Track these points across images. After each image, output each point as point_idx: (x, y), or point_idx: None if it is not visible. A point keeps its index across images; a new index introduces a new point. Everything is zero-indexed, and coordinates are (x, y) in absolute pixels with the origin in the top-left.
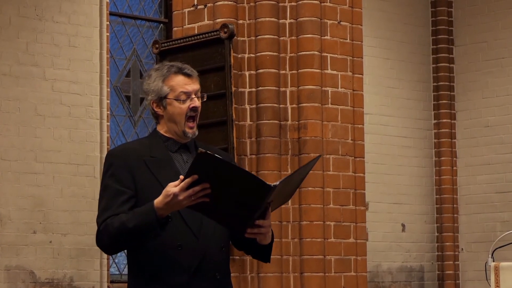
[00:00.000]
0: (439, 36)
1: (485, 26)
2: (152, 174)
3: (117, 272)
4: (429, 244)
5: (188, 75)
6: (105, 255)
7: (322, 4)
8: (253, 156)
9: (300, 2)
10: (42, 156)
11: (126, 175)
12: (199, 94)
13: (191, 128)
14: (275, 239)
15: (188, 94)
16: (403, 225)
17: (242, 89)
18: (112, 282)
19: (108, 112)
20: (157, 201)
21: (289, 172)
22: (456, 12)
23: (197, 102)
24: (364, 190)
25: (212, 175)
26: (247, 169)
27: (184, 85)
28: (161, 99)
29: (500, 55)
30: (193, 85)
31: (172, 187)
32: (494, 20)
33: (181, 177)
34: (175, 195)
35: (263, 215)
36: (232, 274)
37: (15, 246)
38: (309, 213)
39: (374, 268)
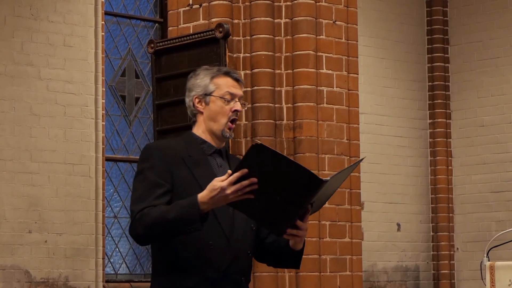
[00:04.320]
0: (434, 36)
1: (480, 25)
2: (190, 171)
3: (113, 272)
4: (425, 244)
5: (236, 79)
6: (100, 255)
7: (317, 3)
8: None
9: (295, 1)
10: (37, 156)
11: (165, 169)
12: (242, 100)
13: (230, 129)
14: None
15: (233, 96)
16: (398, 225)
17: None
18: (107, 281)
19: (103, 112)
20: (202, 195)
21: None
22: (451, 12)
23: (239, 106)
24: (360, 189)
25: (263, 169)
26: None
27: (231, 87)
28: (205, 95)
29: (495, 55)
30: (239, 90)
31: (219, 181)
32: (489, 20)
33: (229, 171)
34: (223, 189)
35: (301, 217)
36: None
37: (10, 246)
38: None
39: (370, 268)
